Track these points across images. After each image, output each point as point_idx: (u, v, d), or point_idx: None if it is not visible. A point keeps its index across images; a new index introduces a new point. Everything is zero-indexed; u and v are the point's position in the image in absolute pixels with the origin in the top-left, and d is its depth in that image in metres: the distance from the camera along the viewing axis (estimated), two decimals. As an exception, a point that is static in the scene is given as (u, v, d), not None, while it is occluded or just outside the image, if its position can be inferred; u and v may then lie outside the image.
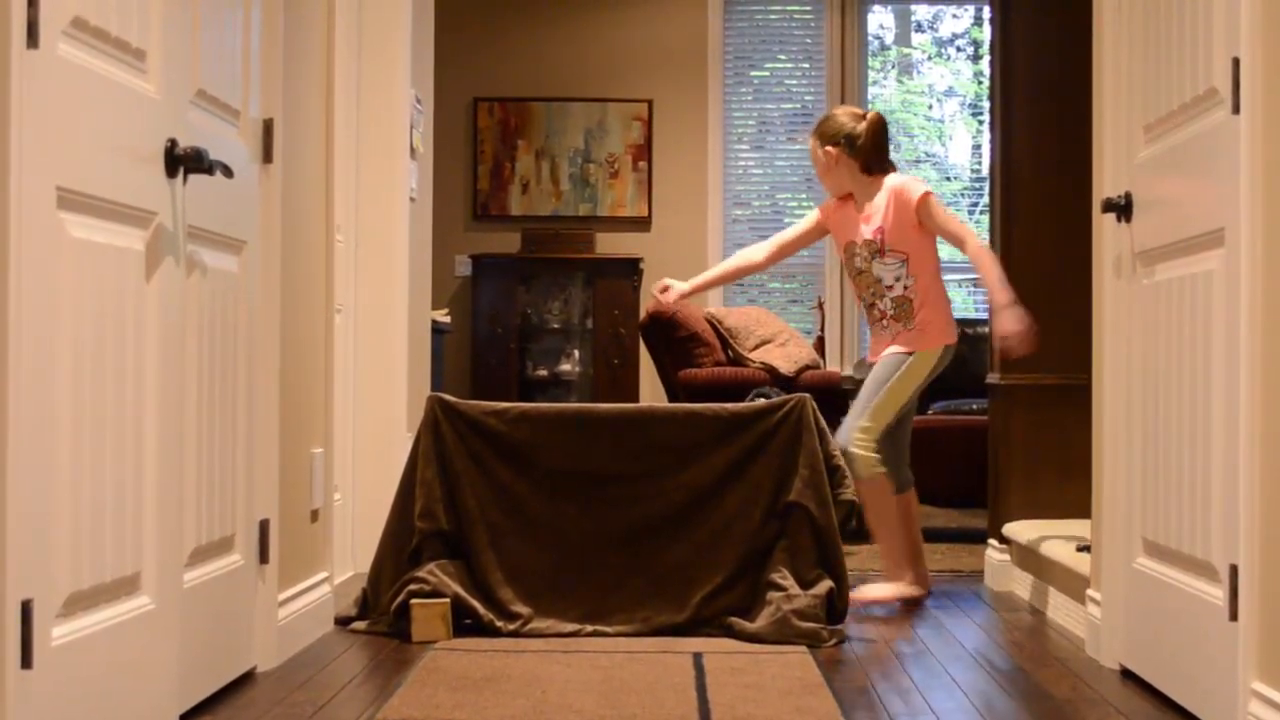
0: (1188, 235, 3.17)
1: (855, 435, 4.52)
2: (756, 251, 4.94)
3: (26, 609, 2.31)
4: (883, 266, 4.58)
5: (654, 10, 9.19)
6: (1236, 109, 2.85)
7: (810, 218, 4.87)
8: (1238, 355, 2.83)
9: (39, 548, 2.36)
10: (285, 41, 3.66)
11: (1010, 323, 4.35)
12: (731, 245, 9.11)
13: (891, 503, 4.61)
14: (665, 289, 4.82)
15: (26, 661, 2.31)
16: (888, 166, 4.69)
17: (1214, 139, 3.00)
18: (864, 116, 4.68)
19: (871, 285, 4.63)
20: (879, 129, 4.67)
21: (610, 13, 9.19)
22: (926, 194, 4.56)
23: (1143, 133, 3.53)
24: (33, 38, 2.31)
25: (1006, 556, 5.03)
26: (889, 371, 4.57)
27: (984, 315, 8.69)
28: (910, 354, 4.57)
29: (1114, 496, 3.69)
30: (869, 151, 4.63)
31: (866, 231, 4.60)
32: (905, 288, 4.57)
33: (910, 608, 4.57)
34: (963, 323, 8.53)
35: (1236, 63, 2.84)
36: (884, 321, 4.63)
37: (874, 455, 4.51)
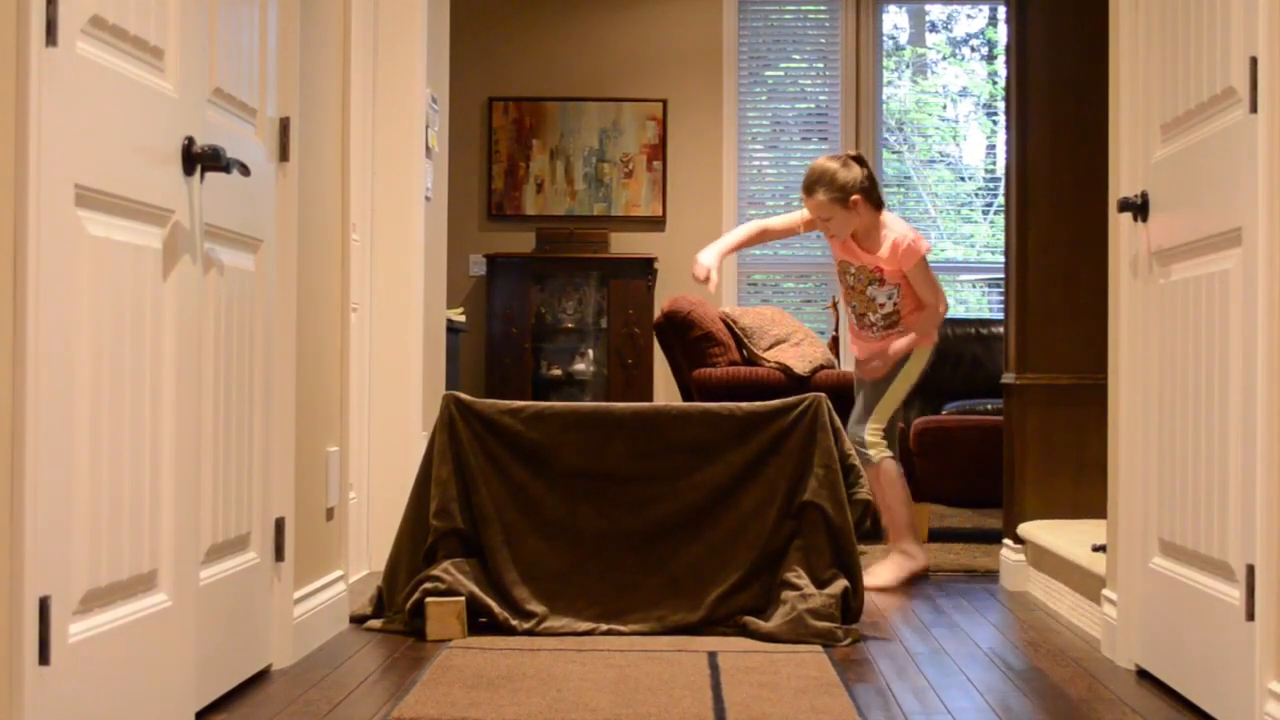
0: (1204, 235, 3.17)
1: (869, 426, 5.13)
2: (782, 219, 5.33)
3: (44, 606, 2.32)
4: (878, 290, 5.10)
5: (669, 10, 9.19)
6: (1254, 108, 2.84)
7: (803, 216, 5.19)
8: (1255, 355, 2.82)
9: (57, 545, 2.37)
10: (302, 40, 3.67)
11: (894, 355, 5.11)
12: (746, 245, 9.10)
13: (901, 480, 5.15)
14: (705, 277, 4.98)
15: (44, 658, 2.31)
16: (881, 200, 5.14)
17: (1231, 138, 2.99)
18: (850, 159, 5.04)
19: (865, 302, 5.15)
20: (868, 166, 5.10)
21: (625, 13, 9.19)
22: (920, 259, 5.04)
23: (1159, 132, 3.52)
24: (51, 36, 2.31)
25: (1022, 556, 5.02)
26: (892, 371, 5.13)
27: (998, 315, 8.69)
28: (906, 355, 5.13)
29: (1130, 496, 3.68)
30: (876, 190, 5.07)
31: (869, 262, 5.06)
32: (895, 305, 5.11)
33: (910, 587, 4.97)
34: (977, 322, 8.54)
35: (1254, 62, 2.83)
36: (874, 330, 5.17)
37: (884, 441, 5.15)
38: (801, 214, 5.18)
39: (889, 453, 5.15)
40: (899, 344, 5.09)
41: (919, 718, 3.15)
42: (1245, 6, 2.90)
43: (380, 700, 3.24)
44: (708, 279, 4.94)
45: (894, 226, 5.10)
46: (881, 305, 5.11)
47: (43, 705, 2.31)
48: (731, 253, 5.27)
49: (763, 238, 5.39)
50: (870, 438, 5.12)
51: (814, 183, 5.01)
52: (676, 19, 9.18)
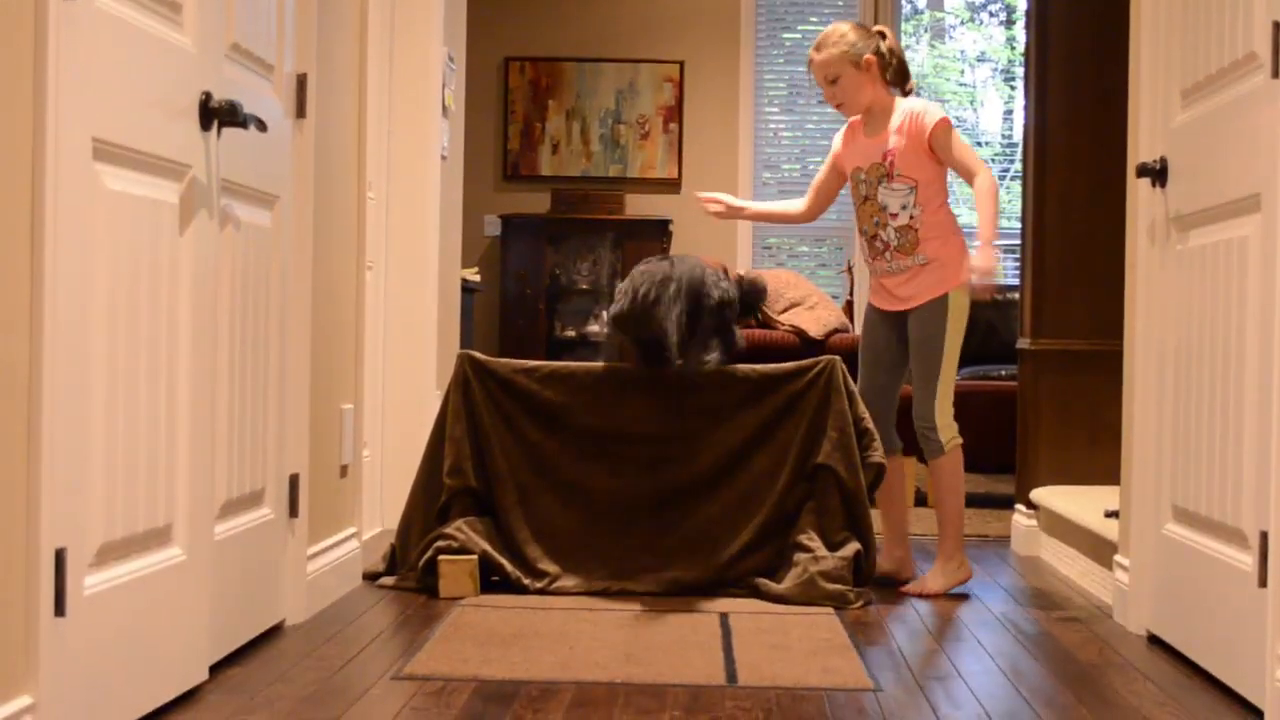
0: (1223, 201, 3.15)
1: (939, 405, 4.25)
2: (798, 202, 4.64)
3: (60, 557, 2.33)
4: (889, 192, 4.24)
5: (687, -29, 9.15)
6: (1276, 73, 2.82)
7: (830, 157, 4.54)
8: (1272, 321, 2.81)
9: (73, 497, 2.38)
10: (319, -3, 3.66)
11: (990, 259, 4.12)
12: (761, 208, 9.09)
13: (962, 475, 4.34)
14: (718, 203, 4.59)
15: (60, 609, 2.33)
16: (907, 88, 4.37)
17: (1252, 104, 2.98)
18: (876, 32, 4.35)
19: (875, 214, 4.28)
20: (898, 45, 4.41)
21: (643, -27, 9.15)
22: (944, 120, 4.24)
23: (1179, 97, 3.50)
24: (70, -12, 2.31)
25: (1034, 522, 5.03)
26: (937, 330, 4.24)
27: (1014, 281, 8.65)
28: (943, 299, 4.22)
29: (1144, 462, 3.68)
30: (899, 66, 4.33)
31: (875, 154, 4.28)
32: (911, 217, 4.23)
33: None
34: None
35: (1276, 26, 2.81)
36: (886, 254, 4.27)
37: (955, 424, 4.30)
38: (802, 201, 4.61)
39: (960, 438, 4.31)
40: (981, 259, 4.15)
41: (930, 680, 3.16)
42: (1269, -30, 2.88)
43: (393, 656, 3.26)
44: (716, 204, 4.59)
45: (909, 101, 4.35)
46: (894, 216, 4.23)
47: (58, 656, 2.32)
48: (747, 214, 4.91)
49: (770, 218, 5.10)
50: (942, 419, 4.26)
51: (823, 40, 4.33)
52: (694, -20, 9.14)
